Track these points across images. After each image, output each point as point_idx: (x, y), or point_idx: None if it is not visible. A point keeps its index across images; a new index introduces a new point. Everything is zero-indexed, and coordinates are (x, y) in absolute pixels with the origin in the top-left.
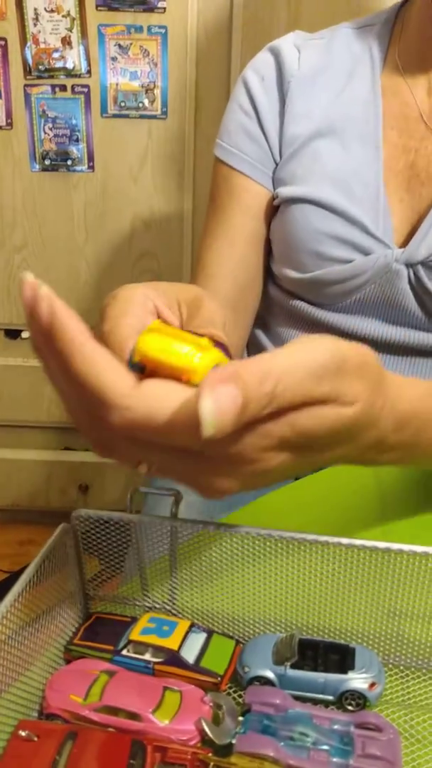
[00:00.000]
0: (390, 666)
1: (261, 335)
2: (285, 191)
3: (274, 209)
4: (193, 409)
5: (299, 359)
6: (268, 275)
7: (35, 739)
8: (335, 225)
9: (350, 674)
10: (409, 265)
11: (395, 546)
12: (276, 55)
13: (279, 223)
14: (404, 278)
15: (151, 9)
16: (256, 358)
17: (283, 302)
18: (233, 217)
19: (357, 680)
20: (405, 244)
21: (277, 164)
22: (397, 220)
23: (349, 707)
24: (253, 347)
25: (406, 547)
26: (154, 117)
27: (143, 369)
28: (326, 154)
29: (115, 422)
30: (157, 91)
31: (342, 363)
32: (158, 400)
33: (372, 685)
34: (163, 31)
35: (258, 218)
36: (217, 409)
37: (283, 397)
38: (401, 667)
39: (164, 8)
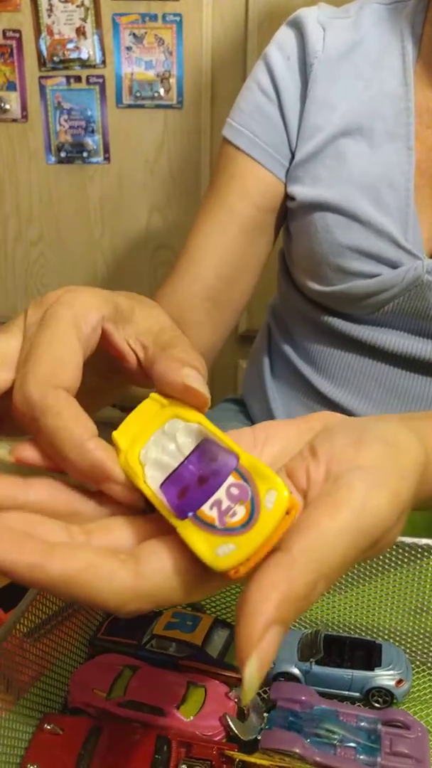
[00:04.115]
0: (417, 663)
1: (288, 349)
2: (304, 194)
3: (290, 210)
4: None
5: (327, 543)
6: (291, 284)
7: (60, 732)
8: (360, 237)
9: (377, 671)
10: None
11: (422, 541)
12: (300, 31)
13: (299, 230)
14: None
15: None
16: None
17: (307, 313)
18: (231, 202)
19: (384, 677)
20: None
21: (293, 154)
22: (429, 228)
23: (376, 704)
24: (280, 360)
25: None
26: (169, 107)
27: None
28: (352, 155)
29: None
30: (173, 80)
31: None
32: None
33: (399, 682)
34: (177, 19)
35: (260, 207)
36: (261, 671)
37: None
38: (429, 664)
39: None
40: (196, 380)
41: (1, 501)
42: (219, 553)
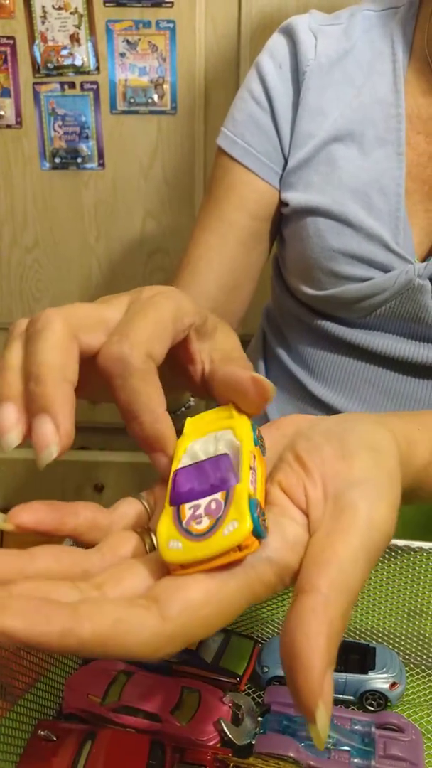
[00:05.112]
0: (411, 666)
1: (282, 353)
2: (297, 200)
3: (284, 216)
4: None
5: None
6: (285, 288)
7: (54, 739)
8: (352, 242)
9: (371, 674)
10: None
11: (415, 544)
12: (292, 39)
13: (292, 235)
14: (428, 293)
15: (159, 4)
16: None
17: (301, 317)
18: (229, 213)
19: (378, 680)
20: (427, 256)
21: (286, 160)
22: (420, 232)
23: (370, 707)
24: (274, 363)
25: (426, 544)
26: (163, 112)
27: None
28: (343, 160)
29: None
30: (167, 86)
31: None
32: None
33: (393, 685)
34: (171, 25)
35: (256, 217)
36: (329, 715)
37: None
38: (423, 667)
39: (172, 3)
40: (261, 376)
41: (9, 574)
42: (170, 545)
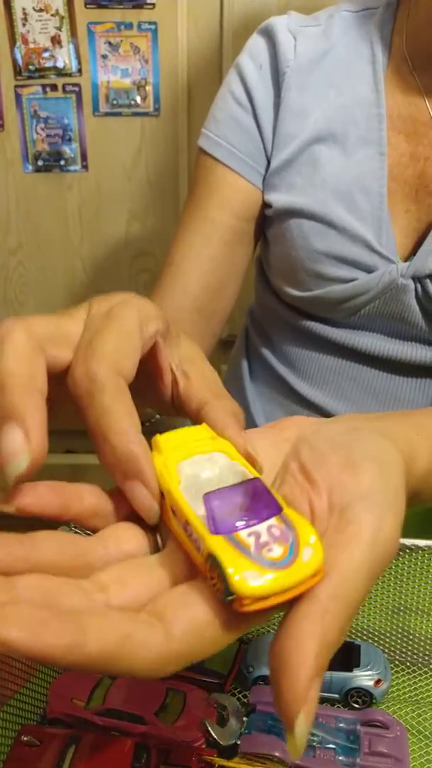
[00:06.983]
0: (396, 663)
1: (267, 353)
2: (281, 202)
3: (267, 218)
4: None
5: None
6: (269, 289)
7: (38, 744)
8: (335, 243)
9: (355, 672)
10: (416, 278)
11: (399, 541)
12: (271, 40)
13: (275, 237)
14: (411, 293)
15: (141, 5)
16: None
17: (285, 317)
18: (212, 213)
19: (362, 678)
20: (409, 256)
21: (268, 161)
22: (401, 232)
23: (356, 705)
24: (259, 363)
25: (408, 541)
26: (146, 114)
27: None
28: (326, 161)
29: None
30: (149, 88)
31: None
32: None
33: (378, 682)
34: (153, 27)
35: (240, 217)
36: (309, 725)
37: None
38: (407, 663)
39: (153, 4)
40: (253, 450)
41: (14, 564)
42: (245, 576)
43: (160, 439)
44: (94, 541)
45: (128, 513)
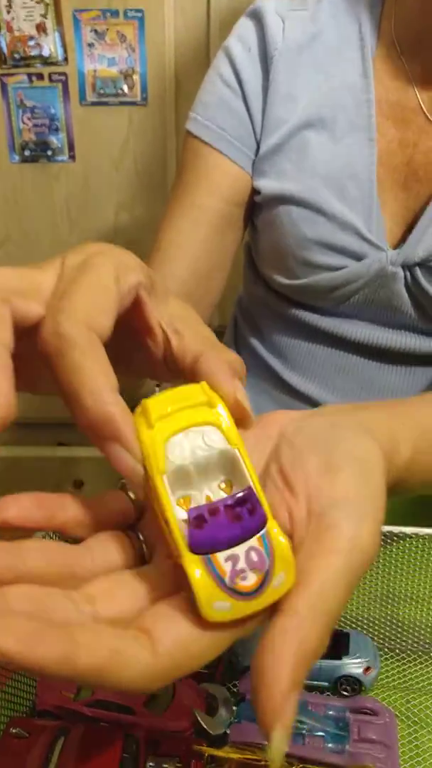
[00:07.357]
0: (386, 650)
1: (255, 342)
2: (270, 188)
3: (256, 204)
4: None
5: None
6: (257, 277)
7: (27, 736)
8: (325, 231)
9: (345, 659)
10: (406, 266)
11: (386, 528)
12: (260, 22)
13: (264, 224)
14: (400, 280)
15: None
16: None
17: (274, 305)
18: (200, 197)
19: (352, 665)
20: (399, 244)
21: (258, 145)
22: (391, 219)
23: (345, 692)
24: (247, 353)
25: (396, 528)
26: (134, 103)
27: None
28: (315, 147)
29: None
30: (136, 77)
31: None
32: None
33: (367, 669)
34: (139, 15)
35: (228, 201)
36: (287, 738)
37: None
38: (397, 651)
39: None
40: (245, 398)
41: (2, 574)
42: (216, 607)
43: (149, 404)
44: (81, 550)
45: (113, 522)
